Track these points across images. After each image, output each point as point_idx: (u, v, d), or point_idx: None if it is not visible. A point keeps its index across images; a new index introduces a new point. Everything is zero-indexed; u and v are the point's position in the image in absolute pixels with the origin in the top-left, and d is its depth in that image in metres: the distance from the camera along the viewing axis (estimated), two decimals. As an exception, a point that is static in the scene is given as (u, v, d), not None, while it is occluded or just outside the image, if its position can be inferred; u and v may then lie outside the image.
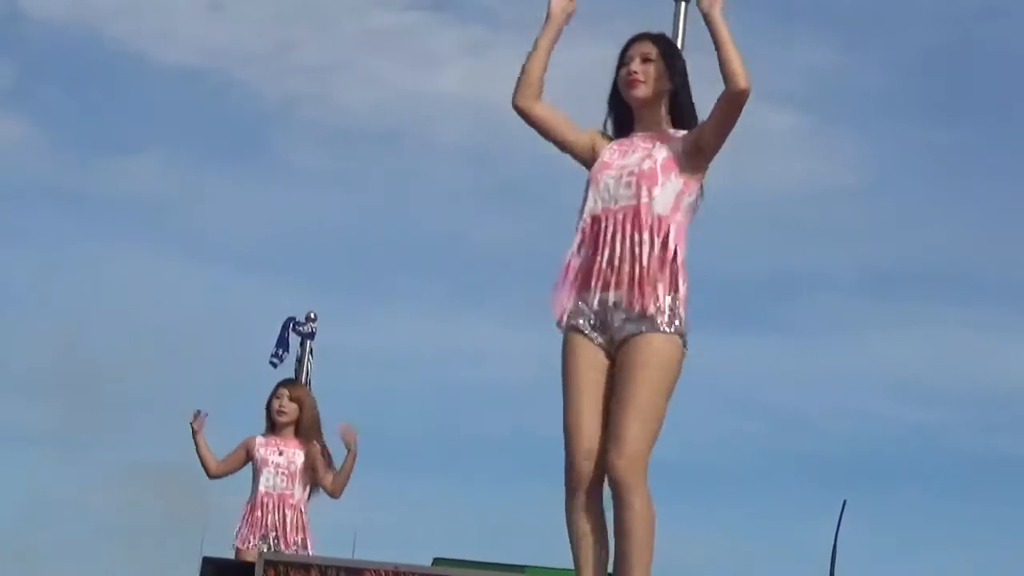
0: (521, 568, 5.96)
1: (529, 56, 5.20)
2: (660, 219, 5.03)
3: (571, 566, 5.07)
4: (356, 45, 20.84)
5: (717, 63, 5.00)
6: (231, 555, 8.83)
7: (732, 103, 5.00)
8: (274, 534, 8.82)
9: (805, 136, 20.05)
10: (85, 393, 16.87)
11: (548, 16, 5.18)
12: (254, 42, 20.73)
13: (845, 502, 8.04)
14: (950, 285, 19.38)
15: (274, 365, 10.63)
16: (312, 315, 10.88)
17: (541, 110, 5.22)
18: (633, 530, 4.89)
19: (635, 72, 5.14)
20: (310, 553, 8.71)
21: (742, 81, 4.97)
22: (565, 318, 5.06)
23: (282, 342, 10.70)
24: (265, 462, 8.91)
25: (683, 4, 6.01)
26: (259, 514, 8.87)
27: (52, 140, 20.07)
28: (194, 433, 9.00)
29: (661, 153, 5.08)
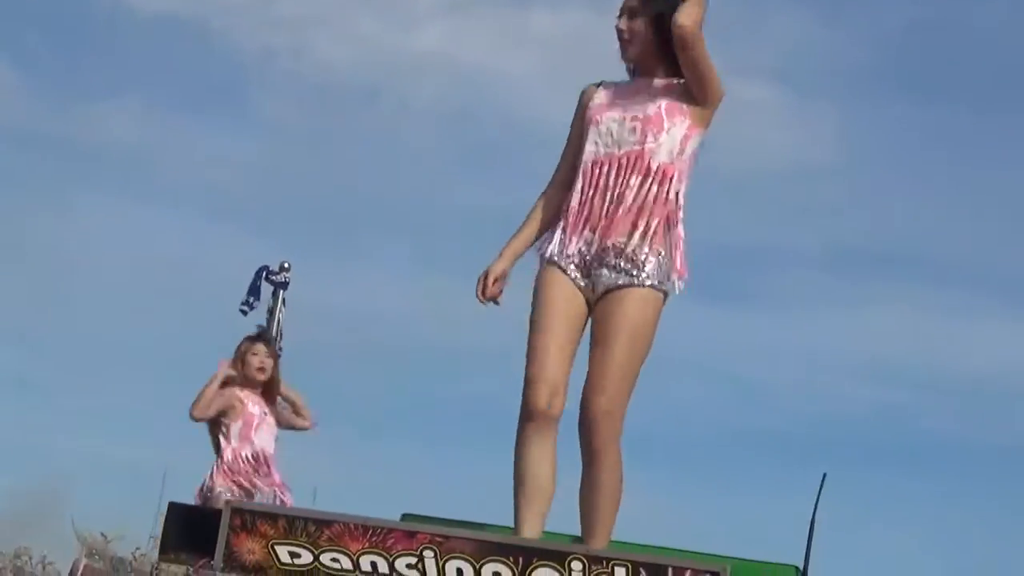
0: (488, 526, 5.89)
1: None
2: (664, 167, 4.98)
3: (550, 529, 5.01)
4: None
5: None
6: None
7: (677, 44, 4.94)
8: (265, 483, 8.76)
9: (780, 110, 20.00)
10: (55, 339, 16.76)
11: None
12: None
13: (825, 475, 7.98)
14: (922, 265, 19.39)
15: (244, 312, 10.54)
16: (286, 264, 10.79)
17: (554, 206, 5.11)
18: (604, 486, 4.84)
19: (621, 31, 5.09)
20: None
21: (681, 18, 4.89)
22: (550, 254, 5.00)
23: (254, 290, 10.60)
24: (263, 421, 8.78)
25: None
26: (260, 470, 8.78)
27: (29, 85, 19.88)
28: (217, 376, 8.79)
29: (666, 98, 5.02)
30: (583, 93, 5.20)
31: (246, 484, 8.71)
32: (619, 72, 5.24)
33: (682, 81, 5.06)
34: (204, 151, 19.45)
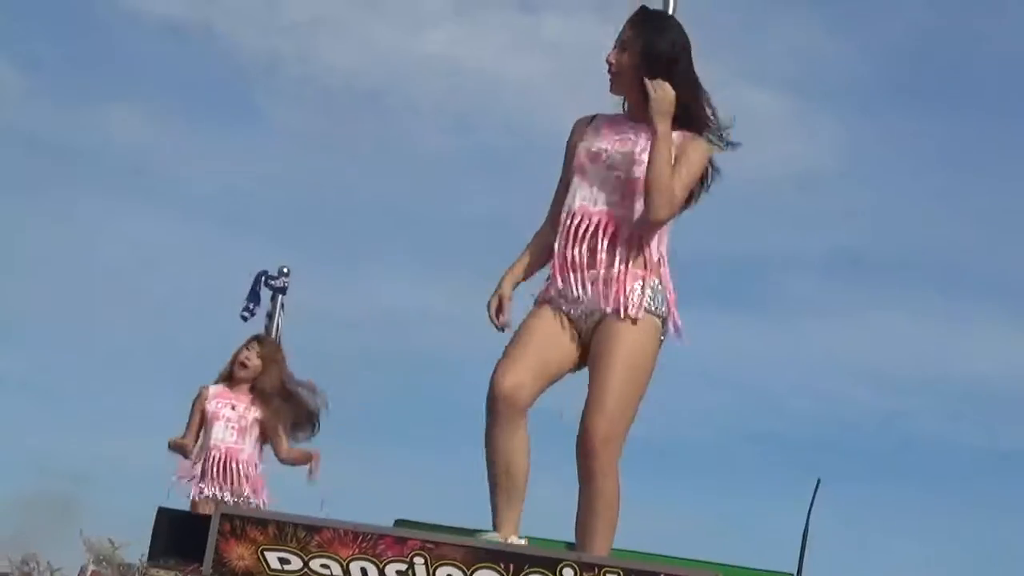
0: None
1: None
2: (637, 232, 4.89)
3: (537, 536, 5.00)
4: (342, 2, 20.65)
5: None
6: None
7: (649, 222, 4.87)
8: (222, 488, 8.73)
9: (785, 117, 19.98)
10: (56, 342, 16.76)
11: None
12: (240, -5, 20.52)
13: (819, 481, 7.99)
14: (924, 272, 19.38)
15: (245, 319, 10.55)
16: (284, 269, 10.79)
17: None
18: (602, 511, 4.81)
19: (610, 63, 4.97)
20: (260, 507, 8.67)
21: (657, 213, 4.82)
22: (540, 294, 4.98)
23: (253, 296, 10.61)
24: (216, 416, 8.80)
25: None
26: (207, 467, 8.77)
27: (33, 88, 19.88)
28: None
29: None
30: (574, 128, 5.08)
31: (198, 482, 8.73)
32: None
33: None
34: (209, 155, 19.46)
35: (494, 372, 4.83)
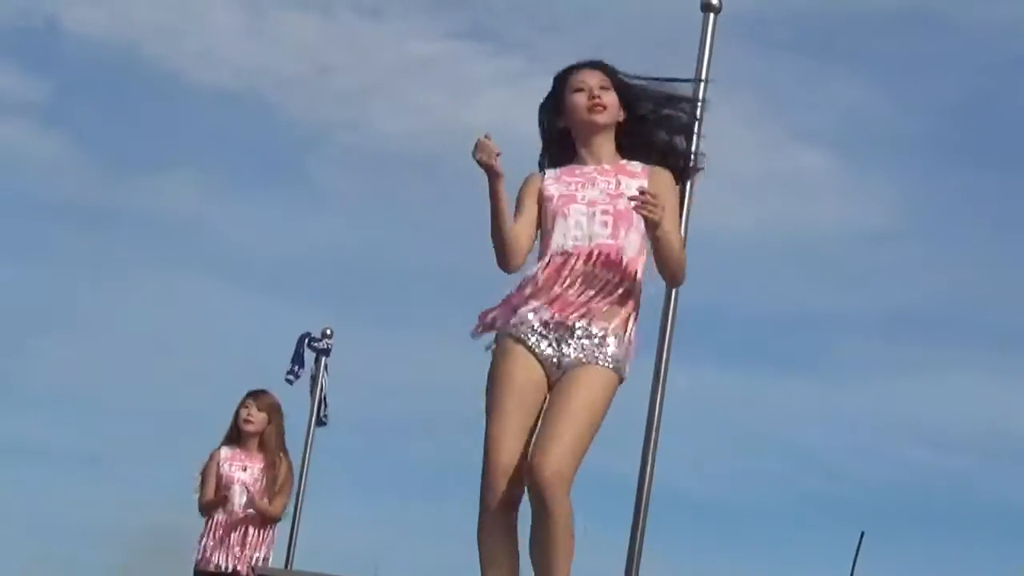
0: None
1: (494, 226, 4.99)
2: (631, 260, 4.98)
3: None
4: (393, 72, 20.77)
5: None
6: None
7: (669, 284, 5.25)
8: (236, 552, 8.74)
9: (837, 176, 19.91)
10: (110, 410, 16.82)
11: (490, 176, 4.92)
12: (291, 66, 20.66)
13: (863, 534, 7.90)
14: (979, 331, 19.19)
15: (290, 382, 10.49)
16: (328, 331, 10.73)
17: (524, 246, 5.07)
18: (558, 540, 4.71)
19: (598, 97, 5.13)
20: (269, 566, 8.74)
21: (679, 281, 5.17)
22: (503, 327, 4.97)
23: (297, 358, 10.56)
24: (232, 479, 8.85)
25: (711, 15, 5.85)
26: (223, 533, 8.78)
27: (87, 157, 20.05)
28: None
29: (631, 192, 4.94)
30: (529, 179, 5.18)
31: (215, 549, 8.74)
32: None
33: (636, 168, 5.11)
34: (261, 224, 19.56)
35: (483, 476, 4.83)
